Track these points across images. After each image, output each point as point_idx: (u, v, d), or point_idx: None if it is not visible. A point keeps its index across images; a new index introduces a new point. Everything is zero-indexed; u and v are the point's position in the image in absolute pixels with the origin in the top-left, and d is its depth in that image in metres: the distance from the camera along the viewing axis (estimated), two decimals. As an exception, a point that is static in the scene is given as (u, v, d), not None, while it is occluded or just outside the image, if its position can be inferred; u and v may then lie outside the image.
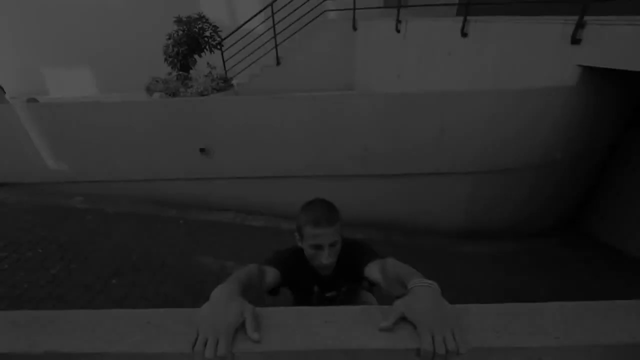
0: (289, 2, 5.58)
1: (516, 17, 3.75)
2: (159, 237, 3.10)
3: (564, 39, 2.85)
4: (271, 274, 1.05)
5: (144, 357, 0.64)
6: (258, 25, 5.85)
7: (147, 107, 3.33)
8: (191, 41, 4.75)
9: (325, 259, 1.06)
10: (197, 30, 4.76)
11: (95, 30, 6.64)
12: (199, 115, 3.23)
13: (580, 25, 2.72)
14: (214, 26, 5.01)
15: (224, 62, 5.88)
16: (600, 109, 3.18)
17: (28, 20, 6.45)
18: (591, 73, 2.81)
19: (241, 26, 5.85)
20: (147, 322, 0.69)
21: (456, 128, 3.08)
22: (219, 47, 5.15)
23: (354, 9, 5.79)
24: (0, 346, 0.64)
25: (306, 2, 5.70)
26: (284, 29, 5.91)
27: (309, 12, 5.84)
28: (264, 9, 5.71)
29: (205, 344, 0.61)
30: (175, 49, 4.72)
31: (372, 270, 1.05)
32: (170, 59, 4.80)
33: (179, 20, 4.74)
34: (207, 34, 4.90)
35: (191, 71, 5.03)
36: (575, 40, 2.78)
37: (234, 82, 5.67)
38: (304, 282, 1.21)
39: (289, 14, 5.72)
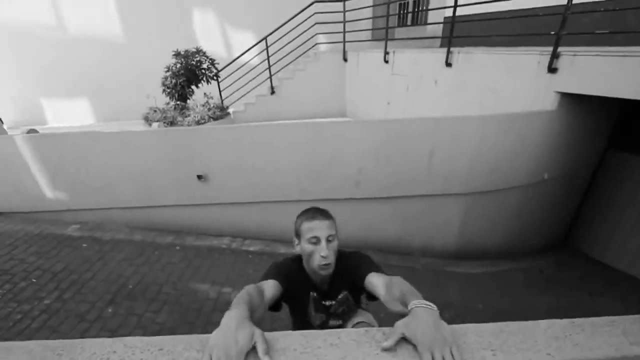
0: (283, 36, 5.89)
1: (496, 48, 4.02)
2: (156, 264, 3.08)
3: (541, 68, 3.08)
4: (270, 289, 1.04)
5: (159, 382, 0.67)
6: (253, 57, 6.14)
7: (145, 136, 3.41)
8: (189, 73, 4.94)
9: (324, 251, 1.06)
10: (194, 63, 4.96)
11: (94, 61, 6.85)
12: (196, 143, 3.32)
13: (555, 56, 2.96)
14: (211, 59, 5.24)
15: (220, 92, 6.09)
16: (581, 131, 3.38)
17: (28, 52, 6.63)
18: (569, 99, 3.02)
19: (237, 58, 6.13)
20: (160, 349, 0.73)
21: (446, 152, 3.22)
22: (215, 78, 5.36)
23: (344, 41, 6.13)
24: (20, 374, 0.67)
25: (299, 35, 6.02)
26: (278, 61, 6.19)
27: (301, 44, 6.15)
28: (258, 42, 6.01)
29: None
30: (174, 81, 4.90)
31: (374, 283, 1.02)
32: (169, 90, 4.97)
33: (177, 54, 4.94)
34: (205, 66, 5.11)
35: (189, 101, 5.19)
36: (552, 69, 3.01)
37: (230, 110, 5.84)
38: (301, 290, 1.20)
39: (282, 47, 6.03)
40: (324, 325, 1.26)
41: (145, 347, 0.73)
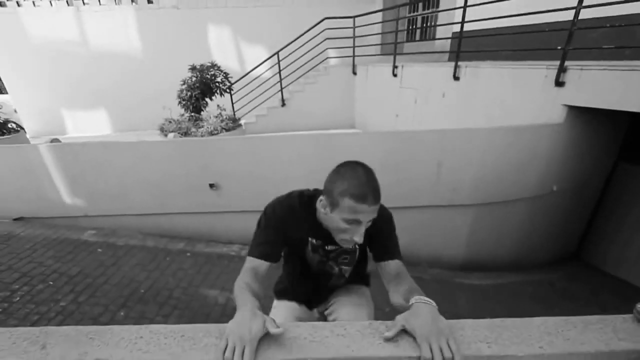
0: (294, 50, 6.09)
1: (503, 62, 4.09)
2: (167, 270, 3.15)
3: (548, 82, 3.12)
4: (265, 268, 1.03)
5: (180, 365, 0.73)
6: (265, 71, 6.34)
7: (160, 146, 3.55)
8: (204, 86, 5.13)
9: (359, 238, 0.94)
10: (209, 76, 5.16)
11: (113, 75, 7.16)
12: (209, 153, 3.44)
13: (562, 70, 3.00)
14: (225, 73, 5.44)
15: (232, 104, 6.28)
16: (590, 143, 3.38)
17: (51, 67, 6.99)
18: (577, 111, 3.04)
19: (250, 72, 6.34)
20: (182, 335, 0.79)
21: (453, 163, 3.25)
22: (228, 90, 5.54)
23: (354, 56, 6.29)
24: (55, 356, 0.74)
25: (310, 50, 6.21)
26: (289, 74, 6.38)
27: (312, 59, 6.34)
28: (271, 56, 6.22)
29: (234, 353, 0.71)
30: (189, 93, 5.09)
31: (386, 271, 1.05)
32: (184, 102, 5.16)
33: (193, 68, 5.16)
34: (219, 79, 5.30)
35: (202, 112, 5.36)
36: (559, 83, 3.05)
37: (241, 122, 6.00)
38: (301, 234, 1.11)
39: (293, 61, 6.22)
40: (321, 266, 1.20)
41: (168, 333, 0.80)
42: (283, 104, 6.62)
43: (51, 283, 2.87)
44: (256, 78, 6.41)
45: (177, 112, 5.60)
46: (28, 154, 3.53)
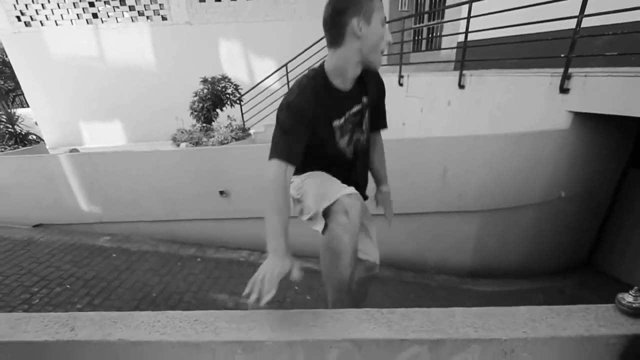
0: (303, 62, 6.25)
1: (508, 70, 4.13)
2: (178, 275, 3.24)
3: (553, 89, 3.15)
4: (295, 161, 1.00)
5: (195, 345, 0.80)
6: (274, 82, 6.52)
7: (173, 155, 3.69)
8: (215, 98, 5.32)
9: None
10: (220, 88, 5.35)
11: (128, 88, 7.47)
12: (219, 161, 3.56)
13: (566, 77, 3.03)
14: (235, 85, 5.62)
15: (242, 114, 6.46)
16: (597, 149, 3.36)
17: (70, 81, 7.34)
18: (583, 117, 3.05)
19: (259, 83, 6.53)
20: (195, 319, 0.87)
21: (459, 169, 3.29)
22: (238, 102, 5.72)
23: (361, 66, 6.41)
24: (83, 336, 0.82)
25: (318, 62, 6.36)
26: (297, 84, 6.52)
27: (319, 69, 6.48)
28: (279, 68, 6.41)
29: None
30: (201, 105, 5.28)
31: (375, 140, 1.39)
32: (196, 113, 5.35)
33: (204, 80, 5.36)
34: (229, 91, 5.49)
35: (213, 123, 5.54)
36: (564, 90, 3.08)
37: (251, 131, 6.16)
38: (325, 119, 1.09)
39: (302, 72, 6.36)
40: (354, 141, 1.21)
41: (183, 318, 0.88)
42: (291, 114, 6.76)
43: (68, 286, 3.00)
44: (265, 89, 6.59)
45: (189, 122, 5.79)
46: (48, 164, 3.72)
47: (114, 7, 6.97)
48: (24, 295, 2.84)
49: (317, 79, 1.08)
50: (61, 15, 6.95)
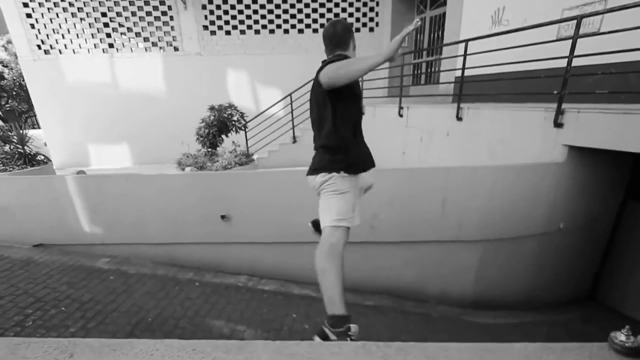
0: (307, 92, 6.50)
1: (504, 104, 4.30)
2: (175, 299, 3.19)
3: (547, 123, 3.27)
4: None
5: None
6: (278, 111, 6.75)
7: (177, 179, 3.77)
8: (221, 124, 5.49)
9: None
10: (226, 115, 5.54)
11: (137, 113, 7.72)
12: (222, 186, 3.62)
13: (559, 112, 3.16)
14: (241, 112, 5.83)
15: (247, 140, 6.63)
16: (594, 182, 3.43)
17: (80, 105, 7.61)
18: (578, 151, 3.14)
19: (264, 111, 6.76)
20: (193, 349, 0.89)
21: (458, 199, 3.33)
22: (243, 128, 5.90)
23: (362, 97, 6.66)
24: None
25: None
26: (301, 114, 6.75)
27: (323, 99, 6.73)
28: (284, 97, 6.66)
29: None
30: (207, 130, 5.44)
31: None
32: (202, 139, 5.50)
33: (212, 108, 5.57)
34: (235, 118, 5.68)
35: (218, 148, 5.68)
36: (558, 124, 3.19)
37: (254, 157, 6.28)
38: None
39: (306, 101, 6.61)
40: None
41: (181, 347, 0.89)
42: (294, 141, 6.94)
43: (63, 309, 2.95)
44: (270, 117, 6.82)
45: (194, 147, 5.93)
46: (55, 184, 3.79)
47: (130, 38, 7.38)
48: (17, 317, 2.79)
49: None
50: (79, 45, 7.34)
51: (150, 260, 3.86)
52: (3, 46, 12.67)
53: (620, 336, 0.82)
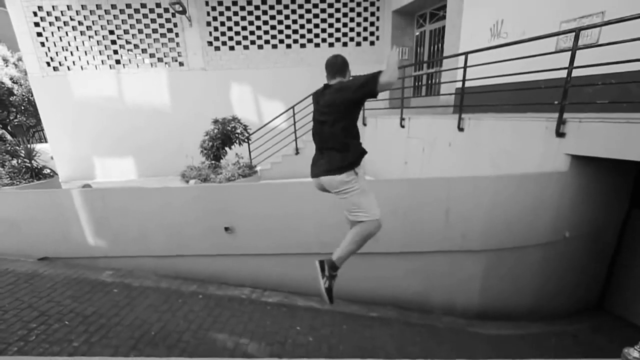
0: (309, 105, 6.60)
1: (505, 114, 4.33)
2: (178, 312, 3.18)
3: (549, 133, 3.28)
4: None
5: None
6: (281, 123, 6.83)
7: (181, 192, 3.80)
8: (224, 137, 5.56)
9: None
10: (230, 128, 5.62)
11: (142, 126, 7.84)
12: (226, 198, 3.64)
13: (561, 122, 3.17)
14: (245, 125, 5.91)
15: (250, 152, 6.69)
16: (598, 190, 3.41)
17: (88, 119, 7.74)
18: (581, 160, 3.15)
19: (267, 123, 6.85)
20: None
21: (461, 209, 3.33)
22: (247, 140, 5.97)
23: (364, 109, 6.74)
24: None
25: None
26: (304, 126, 6.83)
27: (325, 111, 6.81)
28: (287, 110, 6.75)
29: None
30: (211, 143, 5.51)
31: None
32: (206, 151, 5.56)
33: (215, 121, 5.65)
34: (239, 131, 5.75)
35: (222, 160, 5.73)
36: (560, 134, 3.21)
37: (257, 168, 6.33)
38: None
39: (308, 113, 6.70)
40: None
41: None
42: (297, 152, 6.99)
43: (67, 322, 2.94)
44: (273, 129, 6.90)
45: (198, 159, 6.00)
46: (60, 198, 3.83)
47: (136, 54, 7.57)
48: (21, 331, 2.78)
49: None
50: (87, 61, 7.53)
51: (154, 272, 3.86)
52: (14, 63, 13.00)
53: (634, 352, 0.80)
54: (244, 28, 7.61)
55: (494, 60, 3.89)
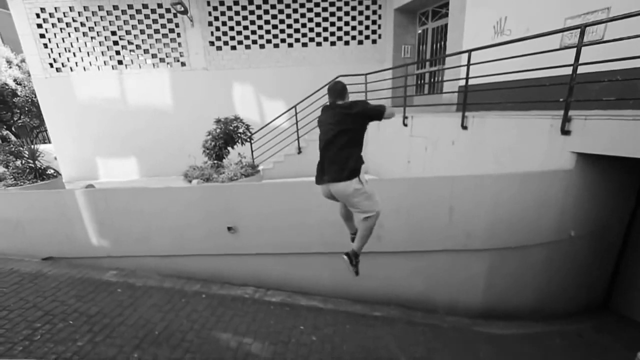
0: (311, 104, 6.59)
1: (509, 112, 4.29)
2: (182, 312, 3.18)
3: (554, 131, 3.25)
4: None
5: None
6: (283, 122, 6.83)
7: (184, 192, 3.80)
8: (227, 136, 5.55)
9: None
10: (232, 128, 5.61)
11: (145, 127, 7.86)
12: (229, 198, 3.64)
13: (566, 120, 3.14)
14: (247, 125, 5.90)
15: (252, 151, 6.69)
16: (604, 189, 3.38)
17: (91, 119, 7.77)
18: (587, 158, 3.11)
19: (269, 123, 6.85)
20: None
21: (465, 208, 3.30)
22: (249, 140, 5.96)
23: (366, 107, 6.71)
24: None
25: (325, 103, 6.68)
26: (306, 125, 6.83)
27: (327, 110, 6.80)
28: (289, 109, 6.74)
29: None
30: (213, 143, 5.51)
31: None
32: (208, 151, 5.56)
33: (218, 121, 5.65)
34: (241, 130, 5.75)
35: (224, 160, 5.73)
36: (565, 132, 3.17)
37: (260, 168, 6.33)
38: None
39: (310, 113, 6.70)
40: None
41: None
42: (299, 152, 6.98)
43: (71, 322, 2.96)
44: (275, 128, 6.89)
45: (200, 159, 6.00)
46: (64, 198, 3.85)
47: (138, 54, 7.58)
48: (26, 330, 2.80)
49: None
50: (89, 62, 7.56)
51: (157, 272, 3.87)
52: (17, 65, 13.07)
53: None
54: (246, 28, 7.60)
55: (497, 58, 3.86)
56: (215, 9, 7.43)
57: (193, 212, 3.68)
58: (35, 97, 9.75)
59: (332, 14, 7.66)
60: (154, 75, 7.67)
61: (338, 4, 7.59)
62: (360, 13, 7.72)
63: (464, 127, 4.37)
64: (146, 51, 7.58)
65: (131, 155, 8.08)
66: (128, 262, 3.93)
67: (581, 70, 3.06)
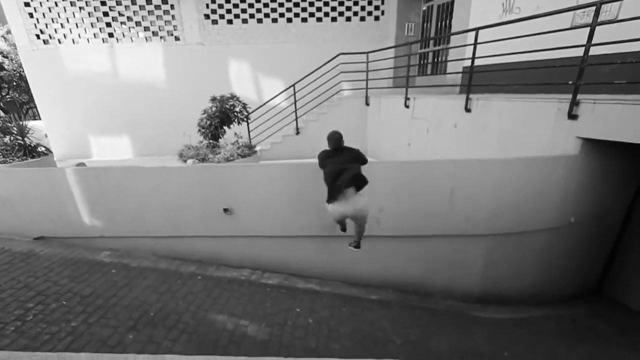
0: (310, 83, 6.38)
1: (515, 95, 4.15)
2: (177, 293, 3.15)
3: (561, 115, 3.14)
4: None
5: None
6: (282, 102, 6.63)
7: (179, 172, 3.69)
8: (223, 115, 5.38)
9: None
10: (228, 106, 5.42)
11: (138, 103, 7.62)
12: (225, 179, 3.54)
13: (574, 103, 3.03)
14: (244, 103, 5.71)
15: (249, 131, 6.53)
16: (607, 175, 3.32)
17: (81, 95, 7.52)
18: (592, 143, 3.02)
19: (267, 102, 6.64)
20: None
21: (466, 193, 3.24)
22: (246, 119, 5.79)
23: (367, 88, 6.53)
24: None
25: (324, 83, 6.49)
26: (305, 105, 6.64)
27: (327, 90, 6.61)
28: (287, 88, 6.53)
29: None
30: (209, 122, 5.34)
31: None
32: (204, 130, 5.40)
33: (213, 99, 5.45)
34: (237, 109, 5.56)
35: (220, 140, 5.58)
36: (572, 116, 3.07)
37: (257, 148, 6.19)
38: None
39: (309, 92, 6.50)
40: None
41: None
42: (297, 132, 6.83)
43: (64, 302, 2.91)
44: (273, 108, 6.70)
45: (196, 139, 5.84)
46: (55, 177, 3.72)
47: (129, 27, 7.23)
48: (17, 311, 2.76)
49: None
50: (78, 34, 7.21)
51: (152, 253, 3.82)
52: (2, 36, 12.52)
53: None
54: (243, 0, 7.24)
55: (505, 37, 3.69)
56: (210, -21, 7.05)
57: (188, 192, 3.59)
58: (24, 71, 9.39)
59: (334, -12, 7.30)
60: (147, 50, 7.36)
61: (340, -24, 7.23)
62: (363, -13, 7.38)
63: (468, 110, 4.25)
64: (138, 24, 7.23)
65: (124, 134, 7.88)
66: (122, 243, 3.87)
67: (592, 51, 2.92)
